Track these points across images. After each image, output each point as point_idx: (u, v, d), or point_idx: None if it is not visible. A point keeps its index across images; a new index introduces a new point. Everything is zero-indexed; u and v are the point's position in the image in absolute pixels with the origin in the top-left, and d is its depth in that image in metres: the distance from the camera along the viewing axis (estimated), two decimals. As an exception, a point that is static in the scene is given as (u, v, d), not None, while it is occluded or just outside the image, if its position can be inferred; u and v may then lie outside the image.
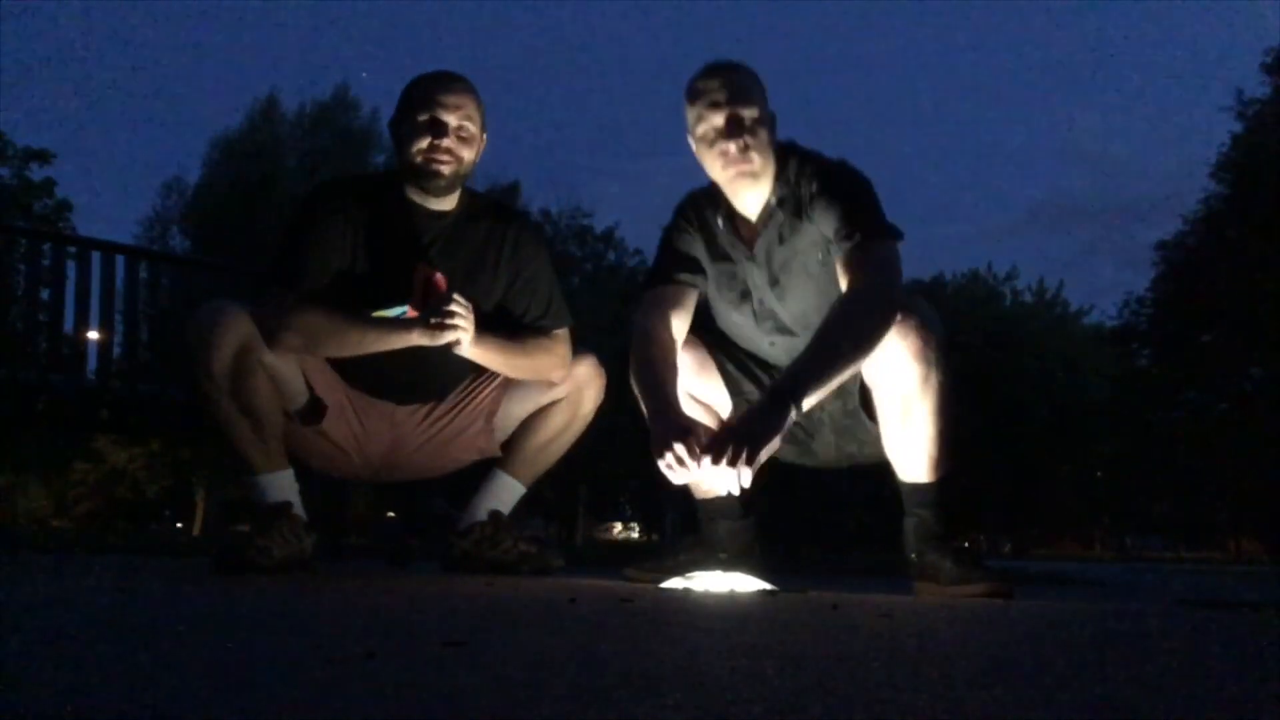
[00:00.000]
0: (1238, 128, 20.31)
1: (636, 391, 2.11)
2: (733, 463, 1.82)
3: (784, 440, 2.30)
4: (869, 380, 2.13)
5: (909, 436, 2.09)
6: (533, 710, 0.64)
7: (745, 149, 2.12)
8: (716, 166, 2.18)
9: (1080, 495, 31.64)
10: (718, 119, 2.14)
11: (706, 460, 1.85)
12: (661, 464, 1.91)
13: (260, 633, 1.09)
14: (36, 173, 20.63)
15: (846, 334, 1.94)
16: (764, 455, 1.87)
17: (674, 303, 2.26)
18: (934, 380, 2.04)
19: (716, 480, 1.88)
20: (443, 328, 2.16)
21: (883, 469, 2.24)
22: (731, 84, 2.15)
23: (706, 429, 1.96)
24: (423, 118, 2.22)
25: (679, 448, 1.87)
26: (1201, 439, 21.32)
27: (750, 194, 2.20)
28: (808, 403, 1.90)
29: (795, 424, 2.27)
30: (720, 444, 1.85)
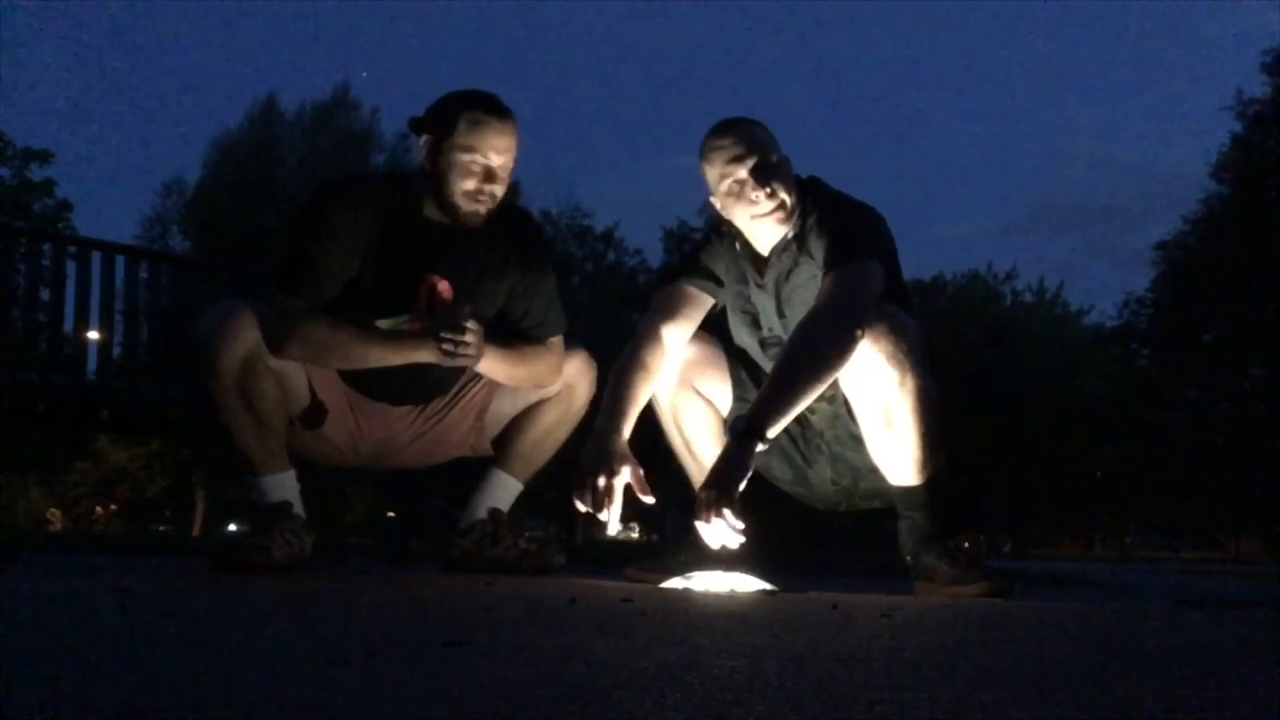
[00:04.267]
0: (1238, 128, 20.32)
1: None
2: (719, 515, 1.90)
3: (778, 459, 2.32)
4: (847, 390, 2.15)
5: (893, 441, 2.11)
6: (533, 710, 0.64)
7: (774, 194, 2.16)
8: (746, 216, 2.21)
9: (1080, 495, 31.61)
10: (741, 171, 2.17)
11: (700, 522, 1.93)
12: (575, 489, 2.03)
13: (260, 633, 1.09)
14: (36, 173, 20.64)
15: (803, 361, 1.98)
16: (740, 487, 1.93)
17: (682, 306, 2.29)
18: (911, 383, 2.05)
19: (711, 538, 1.96)
20: (454, 355, 2.14)
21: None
22: (745, 136, 2.20)
23: (634, 466, 2.06)
24: (471, 159, 2.16)
25: (597, 481, 2.00)
26: (1201, 439, 21.33)
27: (772, 233, 2.23)
28: (772, 432, 1.95)
29: (792, 446, 2.30)
30: (701, 505, 1.93)
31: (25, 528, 16.91)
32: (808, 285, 2.19)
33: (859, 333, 2.00)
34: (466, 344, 2.14)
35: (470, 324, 2.15)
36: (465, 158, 2.17)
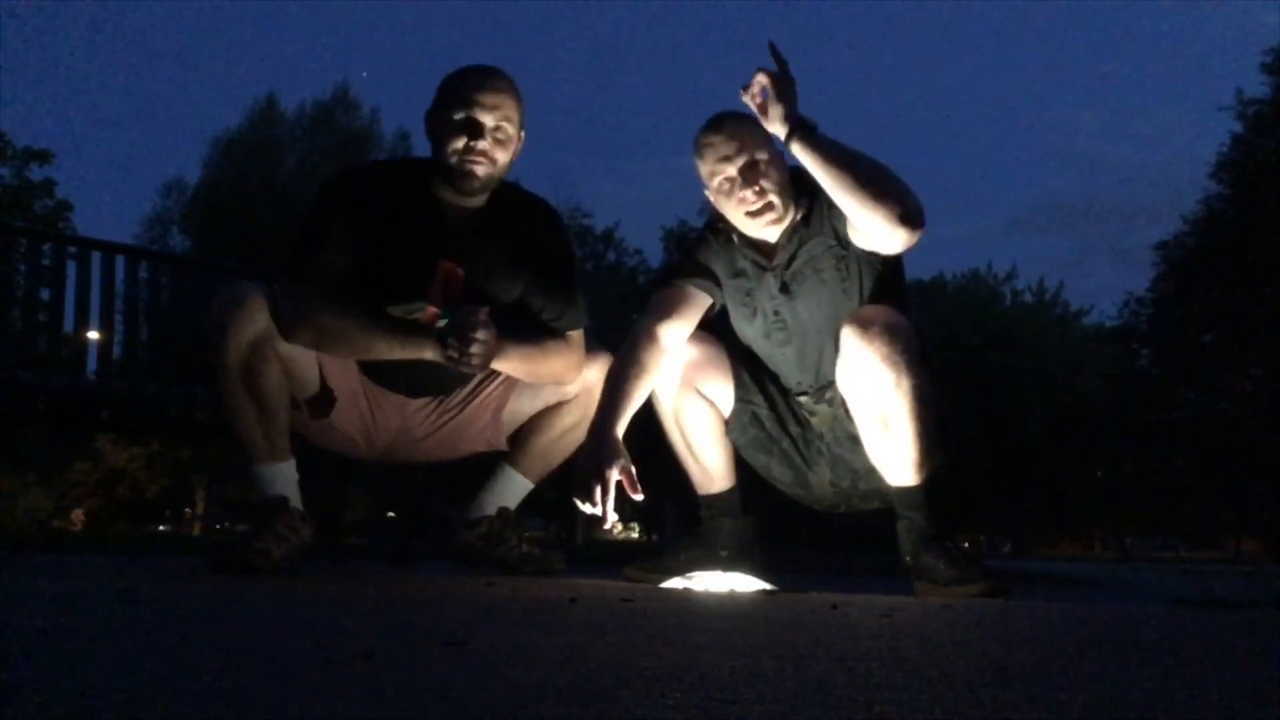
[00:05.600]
0: (1238, 128, 20.32)
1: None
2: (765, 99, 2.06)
3: (778, 461, 2.32)
4: (844, 392, 2.16)
5: (890, 442, 2.11)
6: (533, 710, 0.64)
7: (762, 193, 2.16)
8: (739, 214, 2.22)
9: (1080, 495, 31.60)
10: (730, 170, 2.18)
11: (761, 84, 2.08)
12: (576, 491, 2.05)
13: (260, 633, 1.09)
14: (36, 173, 20.62)
15: (870, 161, 2.07)
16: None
17: (679, 305, 2.28)
18: (906, 384, 2.05)
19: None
20: (458, 363, 2.10)
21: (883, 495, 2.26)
22: (736, 133, 2.20)
23: (626, 461, 2.08)
24: (458, 116, 2.14)
25: (594, 485, 2.03)
26: (1201, 439, 21.32)
27: (763, 231, 2.25)
28: (804, 146, 2.03)
29: (793, 448, 2.30)
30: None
31: (26, 527, 16.90)
32: (822, 258, 2.21)
33: (910, 212, 2.05)
34: (470, 356, 2.09)
35: (480, 334, 2.09)
36: (453, 117, 2.15)
